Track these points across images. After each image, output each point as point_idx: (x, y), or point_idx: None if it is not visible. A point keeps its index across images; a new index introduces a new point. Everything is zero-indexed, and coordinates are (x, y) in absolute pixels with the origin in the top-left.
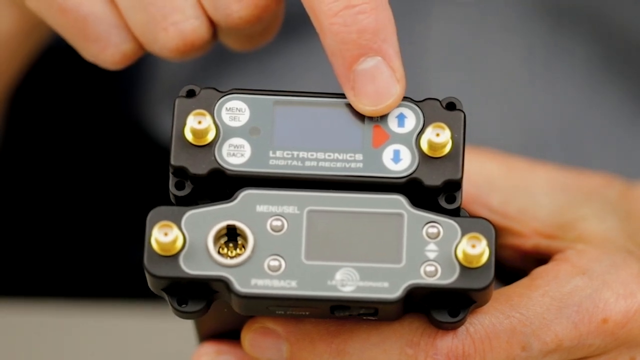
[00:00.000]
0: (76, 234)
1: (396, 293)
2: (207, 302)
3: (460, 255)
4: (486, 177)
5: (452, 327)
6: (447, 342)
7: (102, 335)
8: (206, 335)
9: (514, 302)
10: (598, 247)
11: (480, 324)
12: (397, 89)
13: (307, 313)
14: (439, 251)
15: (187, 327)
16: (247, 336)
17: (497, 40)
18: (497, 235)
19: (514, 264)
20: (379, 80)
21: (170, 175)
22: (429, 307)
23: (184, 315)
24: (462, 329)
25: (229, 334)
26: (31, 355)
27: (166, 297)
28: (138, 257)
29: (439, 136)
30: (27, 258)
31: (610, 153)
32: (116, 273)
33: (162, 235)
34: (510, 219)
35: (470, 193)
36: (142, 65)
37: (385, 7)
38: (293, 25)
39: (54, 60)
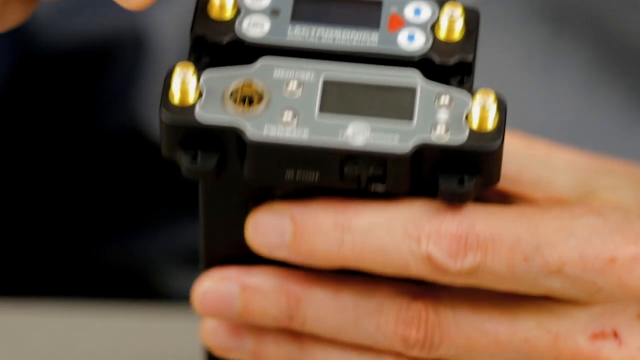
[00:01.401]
0: (74, 234)
1: (406, 148)
2: (218, 160)
3: (471, 117)
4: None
5: (458, 198)
6: (452, 229)
7: (100, 335)
8: (212, 262)
9: (527, 215)
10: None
11: (487, 222)
12: None
13: (316, 179)
14: (450, 116)
15: (186, 328)
16: (251, 220)
17: (497, 43)
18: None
19: None
20: None
21: (189, 49)
22: (437, 175)
23: (195, 173)
24: (469, 223)
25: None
26: (30, 355)
27: (179, 155)
28: (135, 257)
29: (453, 15)
30: (26, 258)
31: (610, 156)
32: (115, 273)
33: (182, 75)
34: (523, 185)
35: None
36: (142, 64)
37: None
38: None
39: (55, 61)
